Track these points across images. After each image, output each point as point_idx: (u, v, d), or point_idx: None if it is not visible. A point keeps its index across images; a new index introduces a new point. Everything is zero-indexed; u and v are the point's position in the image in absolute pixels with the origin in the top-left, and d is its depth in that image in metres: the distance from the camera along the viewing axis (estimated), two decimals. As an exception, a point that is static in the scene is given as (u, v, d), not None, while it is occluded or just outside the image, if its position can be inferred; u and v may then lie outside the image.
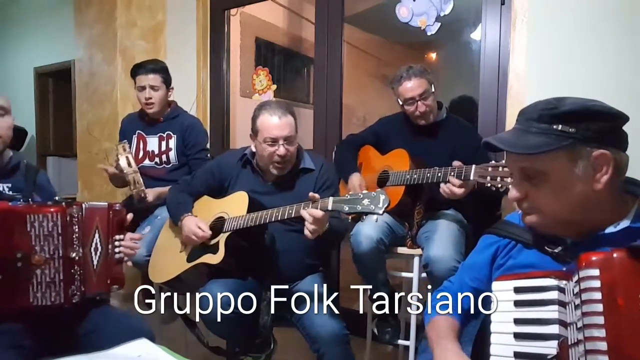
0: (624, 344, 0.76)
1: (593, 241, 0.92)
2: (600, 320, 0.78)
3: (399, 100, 2.08)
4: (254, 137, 1.84)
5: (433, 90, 2.04)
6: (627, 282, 0.79)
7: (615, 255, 0.81)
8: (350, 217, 1.90)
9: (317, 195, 1.54)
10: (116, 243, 1.50)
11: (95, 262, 1.45)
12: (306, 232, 1.53)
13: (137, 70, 2.51)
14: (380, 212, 1.39)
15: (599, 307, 0.79)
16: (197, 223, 1.80)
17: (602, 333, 0.78)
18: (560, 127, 0.88)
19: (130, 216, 1.57)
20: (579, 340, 0.81)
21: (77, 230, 1.40)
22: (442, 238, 1.89)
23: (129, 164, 2.40)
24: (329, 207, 1.48)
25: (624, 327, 0.77)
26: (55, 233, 1.35)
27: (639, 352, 0.76)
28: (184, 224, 1.83)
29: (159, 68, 2.52)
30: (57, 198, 1.45)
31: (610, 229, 0.91)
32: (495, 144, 0.95)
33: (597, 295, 0.79)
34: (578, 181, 0.89)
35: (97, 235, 1.46)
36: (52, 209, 1.36)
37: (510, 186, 1.01)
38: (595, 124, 0.88)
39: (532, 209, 0.96)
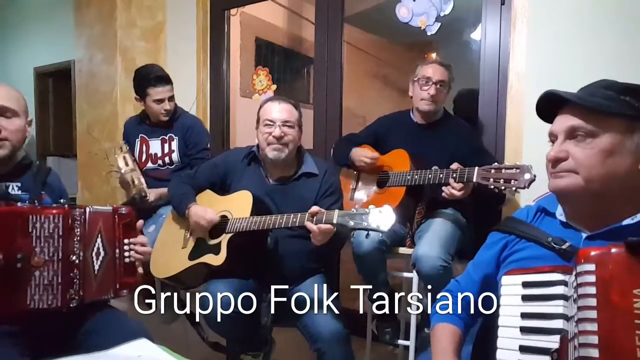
0: (615, 339, 0.77)
1: (609, 234, 0.91)
2: (593, 314, 0.79)
3: (414, 78, 2.09)
4: (257, 127, 1.88)
5: (448, 88, 2.09)
6: (621, 278, 0.79)
7: (612, 250, 0.81)
8: None
9: (320, 209, 1.53)
10: (125, 247, 1.47)
11: (96, 267, 1.42)
12: (313, 240, 1.55)
13: (147, 82, 2.45)
14: (385, 229, 1.39)
15: (593, 302, 0.79)
16: (205, 209, 1.81)
17: (594, 327, 0.78)
18: (627, 98, 0.91)
19: (140, 223, 1.53)
20: (575, 334, 0.81)
21: (78, 233, 1.38)
22: (431, 236, 1.89)
23: (126, 164, 2.40)
24: (334, 221, 1.48)
25: (616, 322, 0.77)
26: (56, 235, 1.33)
27: (630, 348, 0.75)
28: (191, 212, 1.82)
29: (168, 77, 2.50)
30: (62, 201, 1.43)
31: (627, 221, 0.90)
32: (560, 93, 0.95)
33: (592, 290, 0.80)
34: (626, 153, 0.90)
35: (99, 240, 1.43)
36: (54, 211, 1.35)
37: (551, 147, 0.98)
38: None
39: (569, 171, 0.93)
